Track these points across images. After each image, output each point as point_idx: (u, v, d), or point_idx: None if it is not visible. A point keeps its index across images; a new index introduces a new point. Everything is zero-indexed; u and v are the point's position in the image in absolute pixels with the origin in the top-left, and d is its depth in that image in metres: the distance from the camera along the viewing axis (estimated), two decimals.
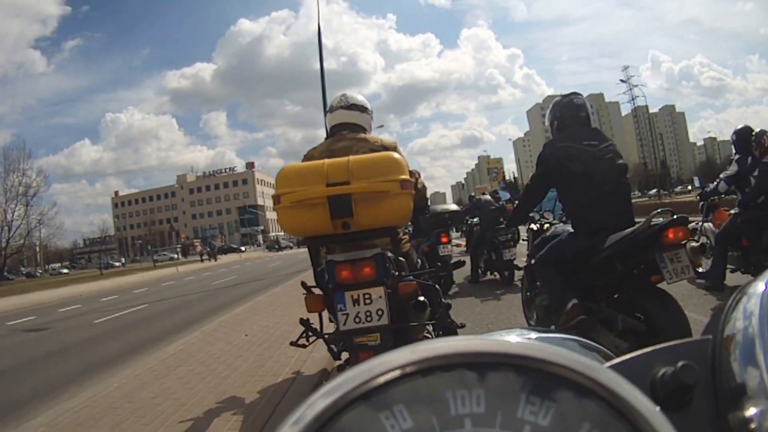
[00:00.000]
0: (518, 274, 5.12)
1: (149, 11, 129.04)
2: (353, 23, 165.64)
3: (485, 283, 5.85)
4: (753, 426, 0.23)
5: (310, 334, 2.08)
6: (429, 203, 2.60)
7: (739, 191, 3.76)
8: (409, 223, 2.63)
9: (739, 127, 3.89)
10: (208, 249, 38.69)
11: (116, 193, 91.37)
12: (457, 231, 11.01)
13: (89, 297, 13.75)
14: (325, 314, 2.02)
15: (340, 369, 2.10)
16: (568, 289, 2.07)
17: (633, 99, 62.64)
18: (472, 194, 9.92)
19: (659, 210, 2.08)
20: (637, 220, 2.07)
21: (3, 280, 34.49)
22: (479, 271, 6.00)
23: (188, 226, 76.63)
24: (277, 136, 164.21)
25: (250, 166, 79.30)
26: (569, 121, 2.26)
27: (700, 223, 4.14)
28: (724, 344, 0.28)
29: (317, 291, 1.88)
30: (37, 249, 49.31)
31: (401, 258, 1.88)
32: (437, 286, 2.01)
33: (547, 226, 2.66)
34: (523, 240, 3.42)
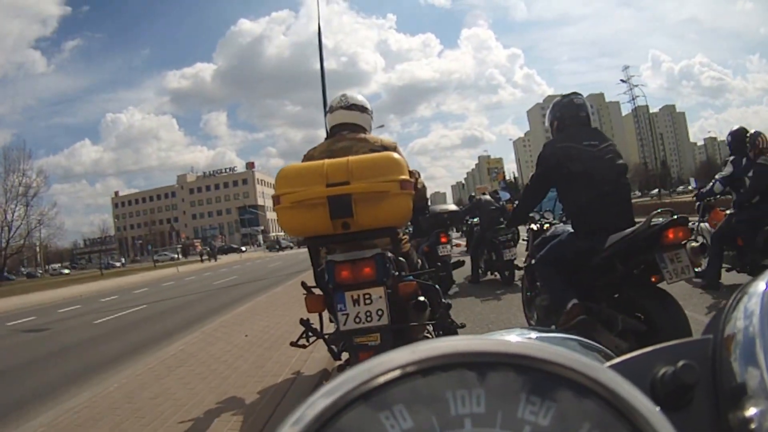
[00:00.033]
0: (518, 274, 5.12)
1: (149, 11, 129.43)
2: (353, 23, 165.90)
3: (485, 283, 5.86)
4: (753, 426, 0.23)
5: (310, 334, 2.08)
6: (429, 203, 2.60)
7: (734, 192, 3.82)
8: (409, 223, 2.63)
9: (734, 128, 3.97)
10: (208, 249, 38.67)
11: (116, 193, 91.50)
12: (457, 231, 11.02)
13: (89, 297, 13.75)
14: (326, 314, 2.01)
15: (341, 369, 2.10)
16: (568, 289, 2.07)
17: (633, 99, 62.70)
18: (473, 194, 9.92)
19: (659, 210, 2.08)
20: (637, 220, 2.07)
21: (3, 281, 34.47)
22: (479, 271, 6.01)
23: (188, 226, 76.63)
24: (277, 136, 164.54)
25: (250, 166, 79.32)
26: (569, 121, 2.26)
27: (697, 223, 4.19)
28: (725, 344, 0.28)
29: (317, 291, 1.88)
30: (38, 249, 49.33)
31: (401, 258, 1.88)
32: (437, 286, 2.01)
33: (547, 226, 2.66)
34: (523, 240, 3.43)
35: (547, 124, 2.42)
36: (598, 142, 2.16)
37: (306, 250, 1.93)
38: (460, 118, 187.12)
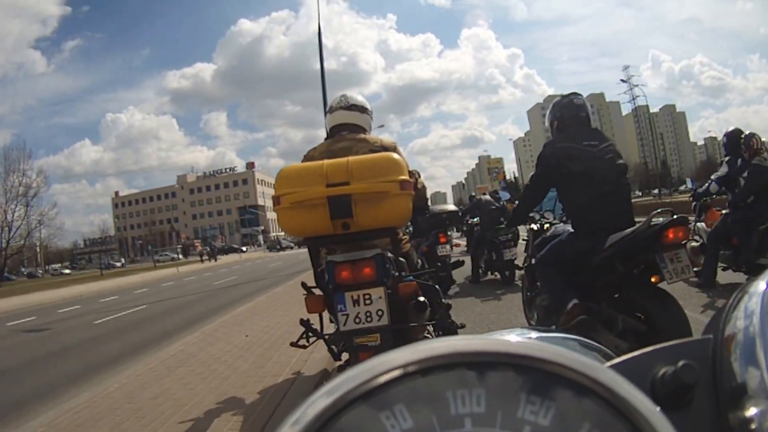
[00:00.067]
0: (519, 274, 5.12)
1: (149, 11, 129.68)
2: (353, 23, 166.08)
3: (486, 283, 5.86)
4: (753, 426, 0.23)
5: (310, 334, 2.08)
6: (429, 203, 2.60)
7: (730, 192, 3.87)
8: (409, 223, 2.63)
9: (729, 129, 4.05)
10: (208, 249, 38.62)
11: (116, 193, 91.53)
12: (457, 231, 11.02)
13: (89, 297, 13.76)
14: (326, 315, 2.01)
15: (341, 369, 2.09)
16: (568, 289, 2.07)
17: (633, 99, 62.78)
18: (473, 194, 9.91)
19: (659, 210, 2.08)
20: (637, 220, 2.07)
21: (4, 281, 34.46)
22: (480, 271, 6.01)
23: (188, 227, 76.64)
24: (277, 137, 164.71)
25: (250, 166, 79.31)
26: (569, 122, 2.26)
27: (693, 223, 4.24)
28: (725, 344, 0.28)
29: (317, 291, 1.88)
30: (38, 249, 49.33)
31: (401, 258, 1.88)
32: (437, 287, 2.01)
33: (547, 226, 2.66)
34: (523, 240, 3.43)
35: (547, 124, 2.42)
36: (598, 142, 2.16)
37: (306, 250, 1.93)
38: (460, 118, 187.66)
